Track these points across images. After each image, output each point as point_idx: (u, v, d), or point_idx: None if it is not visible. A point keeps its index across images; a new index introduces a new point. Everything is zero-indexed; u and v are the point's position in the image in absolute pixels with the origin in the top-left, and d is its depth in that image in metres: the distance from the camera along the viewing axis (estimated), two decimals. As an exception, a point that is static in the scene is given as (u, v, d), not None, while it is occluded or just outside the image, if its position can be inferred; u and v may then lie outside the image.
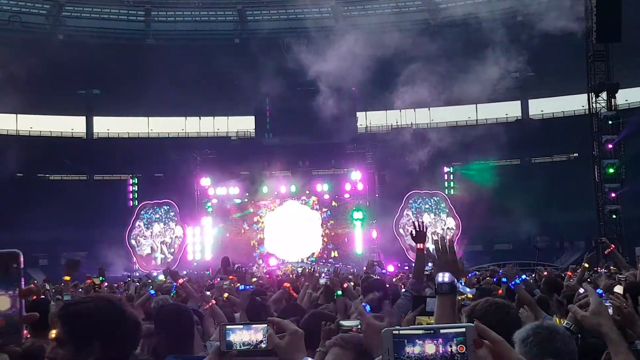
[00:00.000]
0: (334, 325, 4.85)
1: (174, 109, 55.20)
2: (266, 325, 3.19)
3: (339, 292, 8.58)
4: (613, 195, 31.98)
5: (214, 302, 8.38)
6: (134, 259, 44.88)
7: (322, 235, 44.16)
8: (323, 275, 19.78)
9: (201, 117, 58.36)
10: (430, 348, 2.05)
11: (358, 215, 43.58)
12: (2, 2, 50.26)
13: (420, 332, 2.07)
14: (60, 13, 52.22)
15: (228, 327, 3.23)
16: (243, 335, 3.18)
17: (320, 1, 53.10)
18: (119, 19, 54.10)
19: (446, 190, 45.43)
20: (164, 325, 5.35)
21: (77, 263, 9.67)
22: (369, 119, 56.03)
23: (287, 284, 9.35)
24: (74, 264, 9.53)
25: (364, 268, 17.82)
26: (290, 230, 43.42)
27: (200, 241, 44.73)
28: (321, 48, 39.80)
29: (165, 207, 46.31)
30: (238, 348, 3.13)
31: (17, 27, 48.36)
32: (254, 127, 54.71)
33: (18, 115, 54.55)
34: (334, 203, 44.28)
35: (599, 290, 8.51)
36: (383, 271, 18.15)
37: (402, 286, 13.14)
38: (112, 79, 50.24)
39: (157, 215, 46.31)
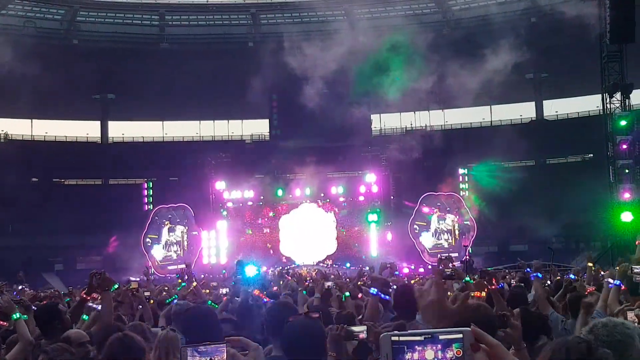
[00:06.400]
0: (343, 331, 4.88)
1: (189, 112, 55.36)
2: (225, 344, 3.23)
3: (347, 294, 8.58)
4: (628, 195, 31.79)
5: None
6: (149, 263, 44.95)
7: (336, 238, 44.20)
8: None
9: (215, 121, 58.47)
10: (429, 354, 2.07)
11: (373, 217, 43.52)
12: (17, 7, 50.53)
13: (419, 337, 2.08)
14: (74, 18, 52.44)
15: (189, 348, 3.28)
16: (203, 356, 3.23)
17: (334, 4, 53.12)
18: (133, 24, 54.22)
19: (461, 191, 45.28)
20: (188, 324, 5.58)
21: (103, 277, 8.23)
22: (383, 121, 55.97)
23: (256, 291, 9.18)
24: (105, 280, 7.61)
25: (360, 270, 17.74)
26: (305, 232, 43.43)
27: (215, 245, 44.80)
28: (335, 51, 39.81)
29: (180, 211, 46.37)
30: None
31: (32, 32, 48.56)
32: (268, 130, 54.78)
33: (33, 120, 54.83)
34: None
35: (617, 282, 8.50)
36: (396, 273, 18.12)
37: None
38: (126, 84, 50.44)
39: (171, 219, 46.33)
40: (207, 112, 56.17)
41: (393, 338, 2.09)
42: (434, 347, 2.06)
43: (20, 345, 6.48)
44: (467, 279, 11.39)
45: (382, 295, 7.80)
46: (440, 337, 2.06)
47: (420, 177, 43.10)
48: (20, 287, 17.23)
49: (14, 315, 6.77)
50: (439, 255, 33.23)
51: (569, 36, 41.02)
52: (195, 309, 6.34)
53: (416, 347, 2.07)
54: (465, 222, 43.81)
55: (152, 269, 44.19)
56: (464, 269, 20.79)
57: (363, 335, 4.91)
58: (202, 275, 30.29)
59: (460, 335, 2.07)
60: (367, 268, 23.31)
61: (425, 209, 43.80)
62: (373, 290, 7.56)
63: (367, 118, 50.97)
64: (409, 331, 2.13)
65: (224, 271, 37.71)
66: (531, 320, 6.00)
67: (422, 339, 2.07)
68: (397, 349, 2.07)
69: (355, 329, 4.91)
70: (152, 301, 10.60)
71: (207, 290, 13.29)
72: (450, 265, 11.35)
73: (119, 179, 54.17)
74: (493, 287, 8.29)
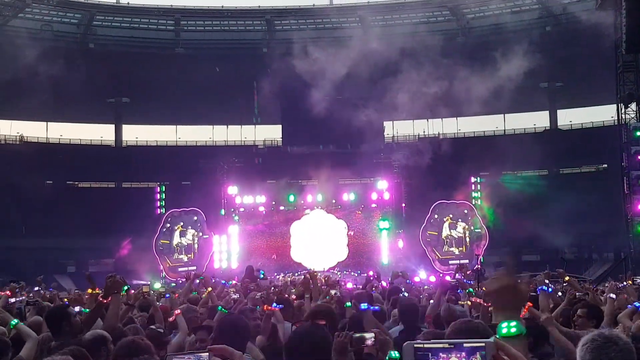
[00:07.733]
0: (347, 338, 4.83)
1: (202, 117, 55.50)
2: (208, 353, 3.26)
3: (349, 304, 8.53)
4: (642, 206, 31.68)
5: (178, 311, 8.49)
6: (161, 267, 45.03)
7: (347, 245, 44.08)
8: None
9: (228, 126, 58.59)
10: (453, 361, 2.10)
11: (384, 224, 43.40)
12: (34, 11, 50.84)
13: (445, 345, 2.11)
14: (91, 22, 52.71)
15: (174, 357, 3.32)
16: None
17: (348, 11, 53.20)
18: (148, 29, 54.46)
19: (473, 200, 45.15)
20: (222, 332, 5.56)
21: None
22: (396, 128, 55.90)
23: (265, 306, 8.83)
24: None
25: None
26: (316, 239, 43.33)
27: (226, 249, 44.81)
28: (349, 57, 39.83)
29: (192, 215, 46.41)
30: None
31: (49, 36, 48.86)
32: (280, 136, 54.82)
33: (48, 123, 55.11)
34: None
35: (637, 303, 8.52)
36: (408, 281, 18.13)
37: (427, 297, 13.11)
38: (141, 88, 50.64)
39: (183, 223, 46.37)
40: (220, 117, 56.28)
41: (416, 345, 2.12)
42: (459, 355, 2.09)
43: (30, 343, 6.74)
44: (471, 290, 11.43)
45: (372, 308, 7.67)
46: (465, 345, 2.10)
47: (432, 184, 42.98)
48: (36, 289, 17.36)
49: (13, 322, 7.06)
50: (450, 263, 33.18)
51: (584, 45, 40.93)
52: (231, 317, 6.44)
53: (441, 354, 2.10)
54: (476, 230, 43.66)
55: (164, 272, 44.36)
56: (476, 277, 20.75)
57: (370, 342, 4.88)
58: (214, 280, 30.28)
59: (483, 345, 2.10)
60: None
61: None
62: (364, 306, 7.47)
63: (380, 125, 50.90)
64: (434, 340, 2.16)
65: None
66: (530, 329, 6.01)
67: (447, 346, 2.10)
68: (422, 356, 2.10)
69: (365, 335, 4.89)
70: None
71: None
72: (455, 276, 11.50)
73: (132, 182, 54.36)
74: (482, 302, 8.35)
